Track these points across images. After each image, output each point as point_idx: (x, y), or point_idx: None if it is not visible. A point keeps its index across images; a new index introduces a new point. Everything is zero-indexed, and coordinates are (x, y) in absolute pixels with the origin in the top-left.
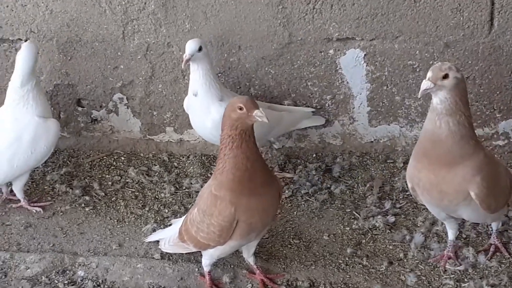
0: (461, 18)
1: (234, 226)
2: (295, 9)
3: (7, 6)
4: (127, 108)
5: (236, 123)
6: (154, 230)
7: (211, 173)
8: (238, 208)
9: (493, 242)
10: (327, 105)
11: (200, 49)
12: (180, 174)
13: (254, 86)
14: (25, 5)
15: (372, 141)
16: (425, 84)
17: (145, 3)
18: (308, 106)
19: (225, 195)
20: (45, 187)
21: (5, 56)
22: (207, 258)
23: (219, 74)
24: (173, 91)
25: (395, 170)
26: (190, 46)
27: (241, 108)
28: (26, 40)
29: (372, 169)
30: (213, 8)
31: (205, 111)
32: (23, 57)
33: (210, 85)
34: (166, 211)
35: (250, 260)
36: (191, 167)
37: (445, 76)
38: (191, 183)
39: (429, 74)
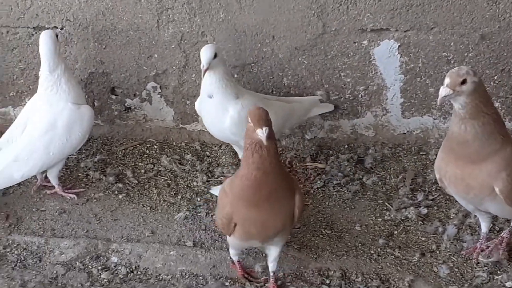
0: (497, 10)
1: (232, 226)
2: (330, 0)
3: None
4: (161, 97)
5: (247, 133)
6: (186, 218)
7: None
8: (236, 214)
9: (503, 235)
10: (360, 96)
11: (215, 56)
12: (212, 163)
13: (287, 76)
14: None
15: (405, 133)
16: (444, 91)
17: None
18: (340, 98)
19: (230, 195)
20: (79, 174)
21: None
22: (230, 246)
23: (252, 64)
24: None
25: (427, 162)
26: (205, 55)
27: (249, 121)
28: (62, 28)
29: (405, 160)
30: None
31: (222, 111)
32: (43, 45)
33: (226, 86)
34: (199, 199)
35: (269, 266)
36: (223, 157)
37: (463, 82)
38: (223, 172)
39: (447, 80)
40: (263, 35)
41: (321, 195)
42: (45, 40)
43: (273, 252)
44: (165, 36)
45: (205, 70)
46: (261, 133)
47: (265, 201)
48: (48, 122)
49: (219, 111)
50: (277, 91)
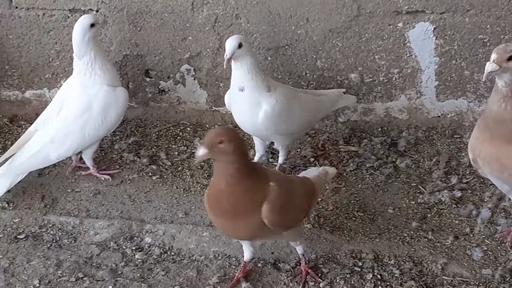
0: None
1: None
2: None
3: None
4: (194, 79)
5: None
6: None
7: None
8: (209, 213)
9: None
10: (394, 78)
11: (240, 45)
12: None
13: (321, 58)
14: None
15: (439, 116)
16: (490, 67)
17: None
18: (374, 80)
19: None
20: (113, 156)
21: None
22: None
23: (286, 46)
24: None
25: (462, 145)
26: (230, 44)
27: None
28: (97, 11)
29: (439, 144)
30: None
31: (255, 104)
32: (73, 33)
33: (256, 78)
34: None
35: (297, 249)
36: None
37: (510, 58)
38: (253, 155)
39: (493, 56)
40: (297, 17)
41: (354, 178)
42: (74, 28)
43: (292, 243)
44: (199, 18)
45: (228, 60)
46: (198, 151)
47: (226, 213)
48: (84, 104)
49: (252, 105)
50: (310, 74)
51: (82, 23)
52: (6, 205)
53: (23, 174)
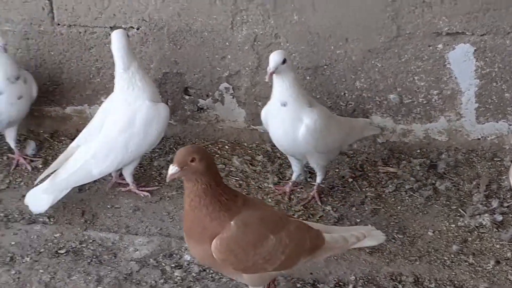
0: None
1: None
2: (405, 3)
3: None
4: (233, 97)
5: None
6: None
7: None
8: None
9: None
10: (433, 100)
11: (284, 61)
12: (283, 165)
13: (360, 79)
14: None
15: (479, 138)
16: None
17: None
18: (413, 101)
19: None
20: (153, 173)
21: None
22: None
23: (325, 66)
24: None
25: (502, 169)
26: (274, 59)
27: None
28: (138, 29)
29: (479, 166)
30: (322, 0)
31: (296, 119)
32: (116, 43)
33: (298, 93)
34: (270, 200)
35: None
36: None
37: None
38: (291, 174)
39: None
40: (337, 37)
41: (393, 199)
42: (118, 38)
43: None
44: (238, 37)
45: (271, 73)
46: (169, 170)
47: (186, 232)
48: (127, 119)
49: (293, 120)
50: (349, 94)
51: (122, 33)
52: (47, 220)
53: (66, 190)
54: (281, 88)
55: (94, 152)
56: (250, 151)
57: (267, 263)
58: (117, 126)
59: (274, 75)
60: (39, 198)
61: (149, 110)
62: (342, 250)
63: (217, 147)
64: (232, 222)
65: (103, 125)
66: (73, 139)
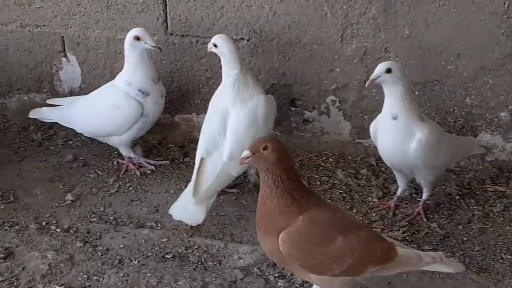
0: None
1: None
2: None
3: (234, 6)
4: (339, 110)
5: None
6: None
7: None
8: None
9: None
10: None
11: (388, 71)
12: (388, 180)
13: (470, 95)
14: (250, 6)
15: None
16: None
17: (366, 8)
18: None
19: None
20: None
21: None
22: None
23: (434, 82)
24: None
25: None
26: (378, 68)
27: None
28: (248, 40)
29: None
30: (434, 15)
31: (407, 133)
32: (229, 46)
33: (410, 106)
34: (374, 214)
35: None
36: None
37: None
38: (397, 189)
39: None
40: (448, 53)
41: (502, 219)
42: (229, 40)
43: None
44: (348, 50)
45: (372, 81)
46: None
47: (257, 223)
48: (250, 116)
49: (404, 134)
50: (458, 110)
51: (228, 38)
52: (155, 225)
53: (213, 196)
54: (392, 101)
55: (230, 154)
56: (354, 165)
57: (334, 263)
58: (243, 124)
59: (383, 87)
60: (193, 211)
61: (266, 102)
62: (415, 268)
63: (321, 160)
64: (300, 217)
65: (225, 128)
66: (180, 147)
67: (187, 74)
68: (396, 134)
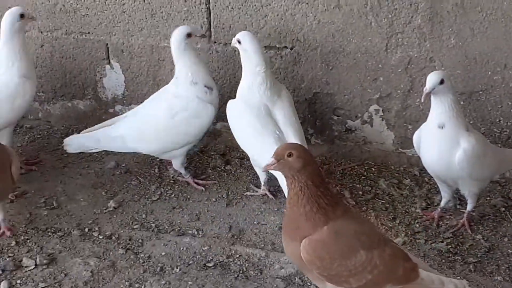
0: None
1: None
2: None
3: (277, 15)
4: (382, 120)
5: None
6: (404, 243)
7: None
8: None
9: None
10: None
11: (441, 82)
12: (432, 190)
13: None
14: (294, 14)
15: None
16: None
17: (411, 17)
18: None
19: None
20: None
21: (270, 62)
22: None
23: (480, 92)
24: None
25: None
26: (432, 79)
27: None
28: (291, 49)
29: None
30: (481, 25)
31: (453, 143)
32: (254, 44)
33: (457, 116)
34: (417, 225)
35: None
36: None
37: None
38: (441, 200)
39: None
40: (495, 63)
41: None
42: (255, 38)
43: None
44: (392, 60)
45: (427, 94)
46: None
47: (283, 229)
48: (291, 104)
49: (450, 143)
50: (504, 121)
51: (253, 35)
52: (196, 233)
53: None
54: (440, 110)
55: (302, 142)
56: (397, 174)
57: (352, 277)
58: (292, 113)
59: (431, 96)
60: None
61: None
62: None
63: (363, 169)
64: (325, 227)
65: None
66: (222, 155)
67: (229, 82)
68: (442, 143)
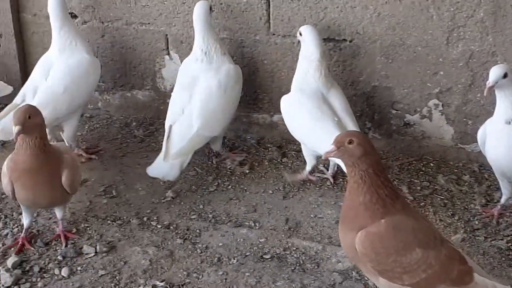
0: None
1: None
2: None
3: (337, 7)
4: (441, 114)
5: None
6: (463, 240)
7: None
8: None
9: None
10: None
11: (505, 75)
12: (491, 187)
13: None
14: (354, 7)
15: None
16: None
17: (474, 10)
18: None
19: None
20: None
21: (328, 55)
22: None
23: None
24: (493, 100)
25: None
26: (495, 73)
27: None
28: (351, 41)
29: None
30: None
31: None
32: (310, 34)
33: None
34: (476, 222)
35: None
36: None
37: None
38: (501, 197)
39: None
40: None
41: None
42: (313, 29)
43: None
44: (453, 53)
45: (490, 87)
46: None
47: (341, 219)
48: (342, 93)
49: None
50: None
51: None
52: (253, 224)
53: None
54: (506, 104)
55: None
56: (456, 170)
57: (406, 274)
58: (345, 100)
59: (496, 91)
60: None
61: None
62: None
63: (422, 164)
64: (383, 220)
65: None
66: (278, 147)
67: (287, 75)
68: (510, 139)
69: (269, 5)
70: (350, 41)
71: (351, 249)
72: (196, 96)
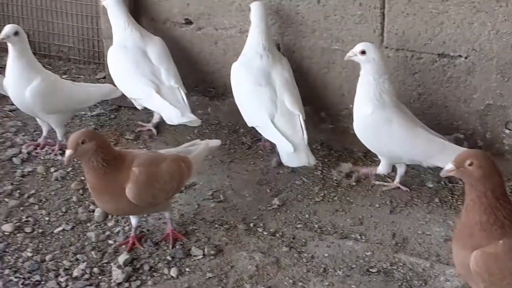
0: None
1: None
2: None
3: (454, 23)
4: None
5: None
6: None
7: None
8: None
9: None
10: None
11: None
12: None
13: None
14: (471, 23)
15: None
16: None
17: None
18: None
19: None
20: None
21: (442, 71)
22: None
23: None
24: None
25: None
26: None
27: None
28: (466, 58)
29: None
30: None
31: None
32: (378, 54)
33: None
34: None
35: None
36: None
37: None
38: None
39: None
40: None
41: None
42: (378, 48)
43: None
44: None
45: None
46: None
47: (455, 236)
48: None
49: None
50: None
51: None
52: (359, 237)
53: None
54: None
55: None
56: None
57: None
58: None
59: None
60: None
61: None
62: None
63: None
64: (501, 241)
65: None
66: None
67: (399, 88)
68: None
69: (383, 18)
70: (466, 58)
71: (464, 268)
72: (281, 88)
